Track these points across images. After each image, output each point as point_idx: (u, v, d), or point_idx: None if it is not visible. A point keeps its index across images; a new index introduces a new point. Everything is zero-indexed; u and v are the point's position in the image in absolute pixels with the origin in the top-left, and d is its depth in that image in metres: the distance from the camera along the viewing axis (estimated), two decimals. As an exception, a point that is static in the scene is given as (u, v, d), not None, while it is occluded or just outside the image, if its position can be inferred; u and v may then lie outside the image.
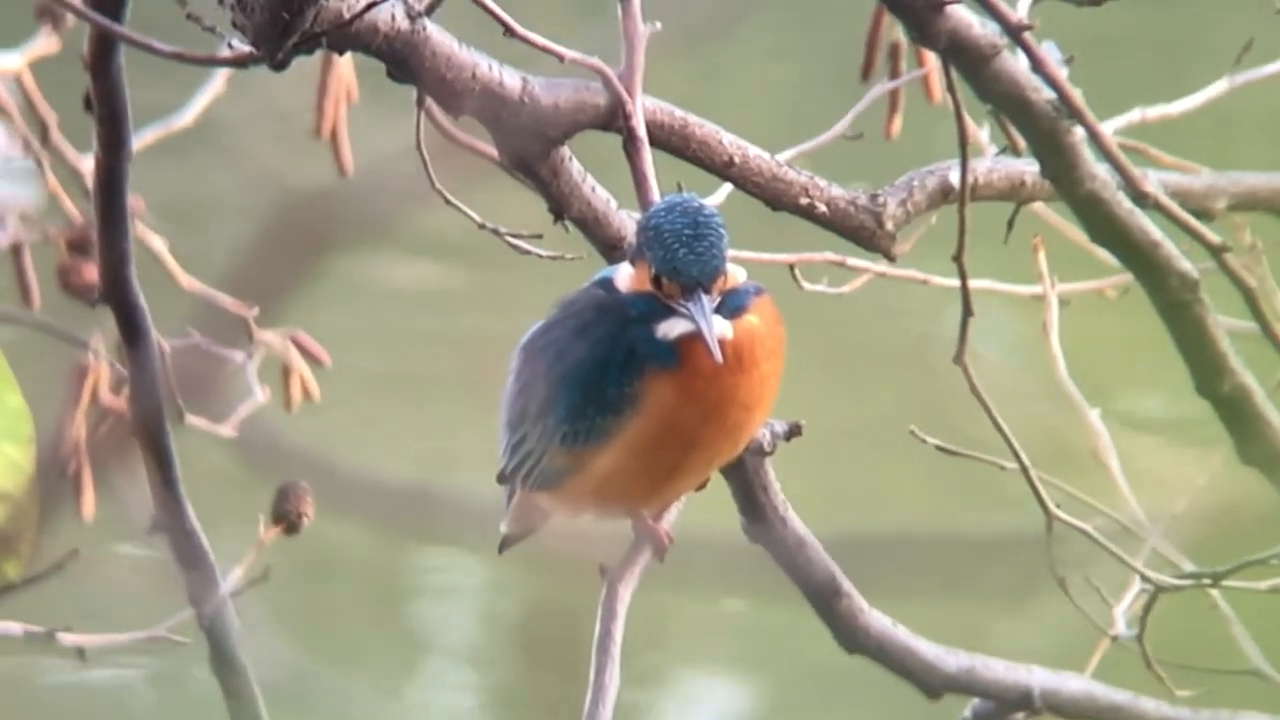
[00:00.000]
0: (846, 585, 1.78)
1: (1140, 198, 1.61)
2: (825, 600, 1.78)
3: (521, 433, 1.70)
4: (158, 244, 2.44)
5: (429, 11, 1.68)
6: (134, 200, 1.74)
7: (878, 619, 1.81)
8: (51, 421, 2.41)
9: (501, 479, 1.73)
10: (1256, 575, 1.84)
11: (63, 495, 2.39)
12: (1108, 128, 1.76)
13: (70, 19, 2.47)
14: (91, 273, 2.16)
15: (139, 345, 1.73)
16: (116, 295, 1.72)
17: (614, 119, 1.73)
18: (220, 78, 2.53)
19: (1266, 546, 1.76)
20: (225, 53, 1.63)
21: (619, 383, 1.64)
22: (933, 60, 2.34)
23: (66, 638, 2.15)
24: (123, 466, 2.32)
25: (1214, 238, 1.60)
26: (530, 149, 1.71)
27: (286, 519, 2.14)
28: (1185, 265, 1.64)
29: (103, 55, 1.67)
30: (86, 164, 2.39)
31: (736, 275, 1.65)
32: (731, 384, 1.63)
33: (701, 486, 1.72)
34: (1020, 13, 1.64)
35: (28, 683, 3.36)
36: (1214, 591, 1.94)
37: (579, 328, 1.66)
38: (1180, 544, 2.07)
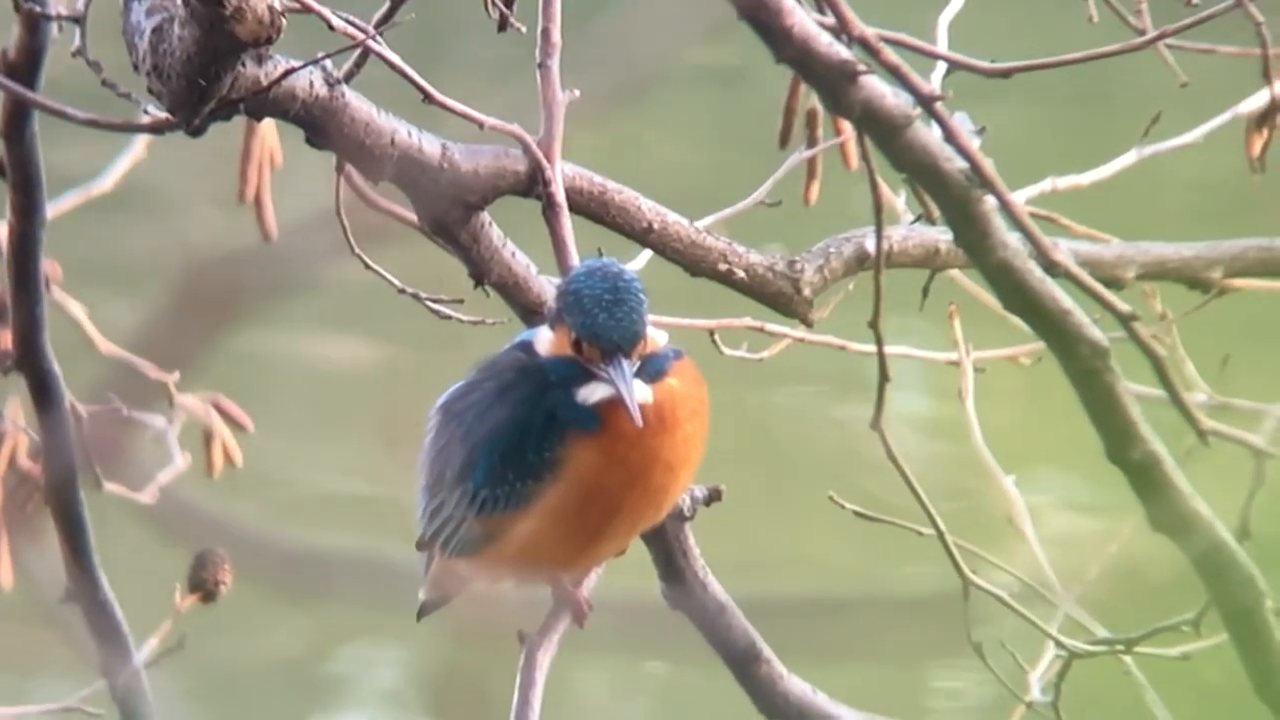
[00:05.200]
0: (766, 651, 1.78)
1: (1051, 266, 1.62)
2: (745, 666, 1.78)
3: (440, 499, 1.68)
4: (76, 309, 2.42)
5: (348, 79, 1.68)
6: (50, 266, 1.73)
7: (797, 685, 1.80)
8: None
9: (420, 545, 1.72)
10: (1168, 641, 1.86)
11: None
12: (1019, 197, 1.78)
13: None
14: (4, 339, 2.14)
15: (52, 412, 1.71)
16: (29, 362, 1.71)
17: (533, 185, 1.73)
18: (140, 143, 2.52)
19: (1176, 611, 1.77)
20: (142, 119, 1.62)
21: (539, 447, 1.63)
22: (849, 128, 2.36)
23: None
24: (35, 535, 2.29)
25: (1124, 307, 1.62)
26: (450, 214, 1.71)
27: (203, 587, 2.12)
28: (1095, 334, 1.65)
29: (16, 122, 1.67)
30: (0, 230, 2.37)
31: (657, 340, 1.65)
32: (654, 446, 1.62)
33: (621, 551, 1.71)
34: (933, 84, 1.66)
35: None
36: (1127, 657, 1.96)
37: (499, 390, 1.65)
38: (1093, 609, 2.09)
